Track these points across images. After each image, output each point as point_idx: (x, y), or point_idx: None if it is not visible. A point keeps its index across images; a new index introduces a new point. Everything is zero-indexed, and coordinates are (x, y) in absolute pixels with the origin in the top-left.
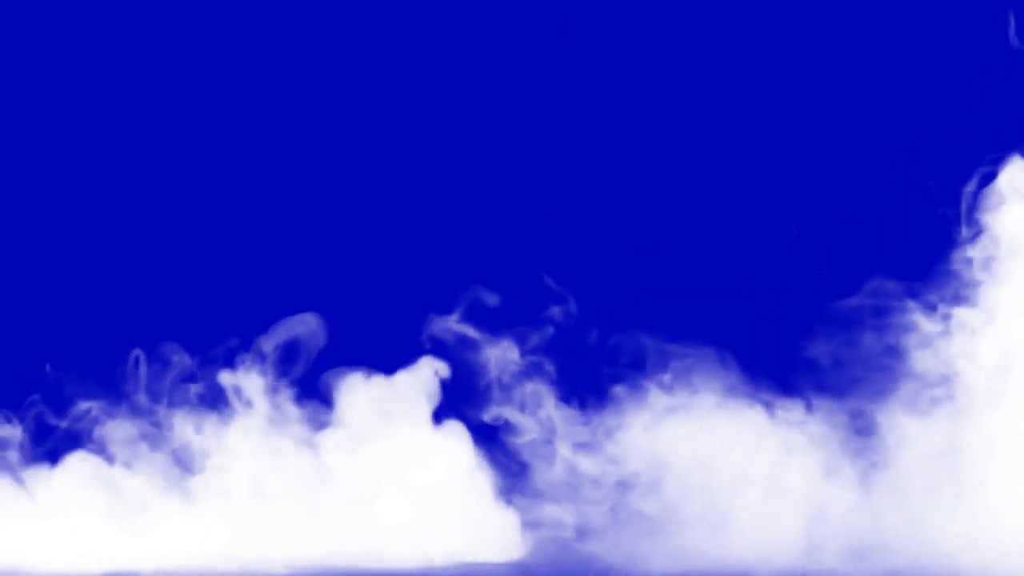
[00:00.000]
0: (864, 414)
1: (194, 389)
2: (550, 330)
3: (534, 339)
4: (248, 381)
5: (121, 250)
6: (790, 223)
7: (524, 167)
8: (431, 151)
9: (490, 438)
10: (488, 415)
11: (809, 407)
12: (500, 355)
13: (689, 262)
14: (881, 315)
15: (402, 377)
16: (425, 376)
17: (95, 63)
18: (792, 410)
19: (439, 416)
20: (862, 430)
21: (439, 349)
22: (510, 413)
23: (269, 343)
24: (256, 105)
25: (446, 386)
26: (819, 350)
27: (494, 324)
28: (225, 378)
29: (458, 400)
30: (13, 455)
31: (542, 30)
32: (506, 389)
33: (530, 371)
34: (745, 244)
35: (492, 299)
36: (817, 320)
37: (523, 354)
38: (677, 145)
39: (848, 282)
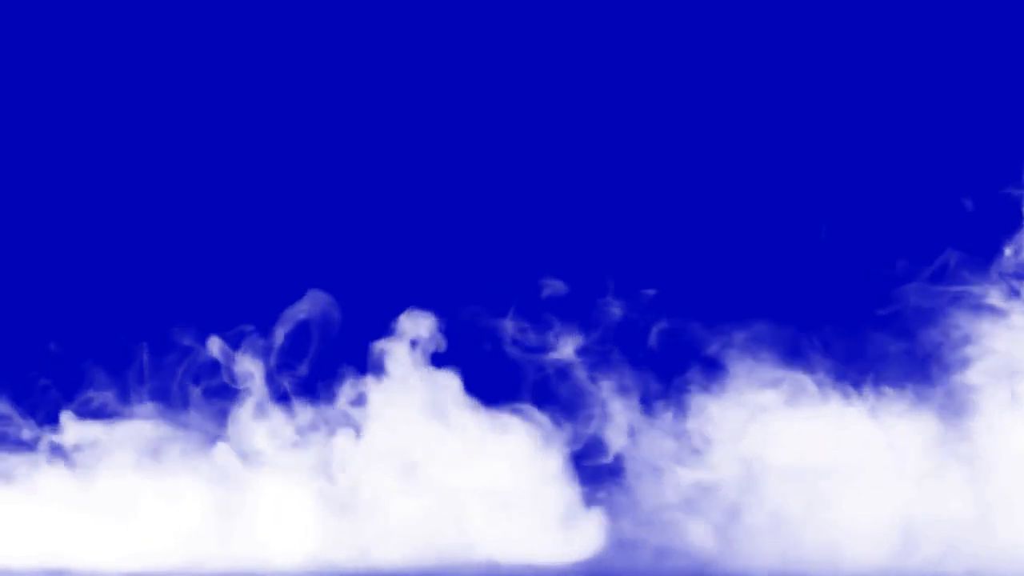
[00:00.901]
0: (956, 405)
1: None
2: (615, 325)
3: (596, 334)
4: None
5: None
6: (833, 215)
7: (583, 165)
8: (489, 147)
9: (565, 434)
10: (556, 411)
11: (897, 398)
12: (567, 350)
13: (763, 257)
14: (958, 301)
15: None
16: (489, 372)
17: (96, 59)
18: (884, 402)
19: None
20: (956, 422)
21: (499, 344)
22: (583, 408)
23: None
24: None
25: (514, 381)
26: (899, 339)
27: (558, 318)
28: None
29: (529, 395)
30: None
31: (581, 20)
32: (573, 384)
33: (600, 366)
34: (811, 234)
35: (555, 291)
36: (902, 309)
37: (588, 349)
38: (735, 142)
39: (921, 267)
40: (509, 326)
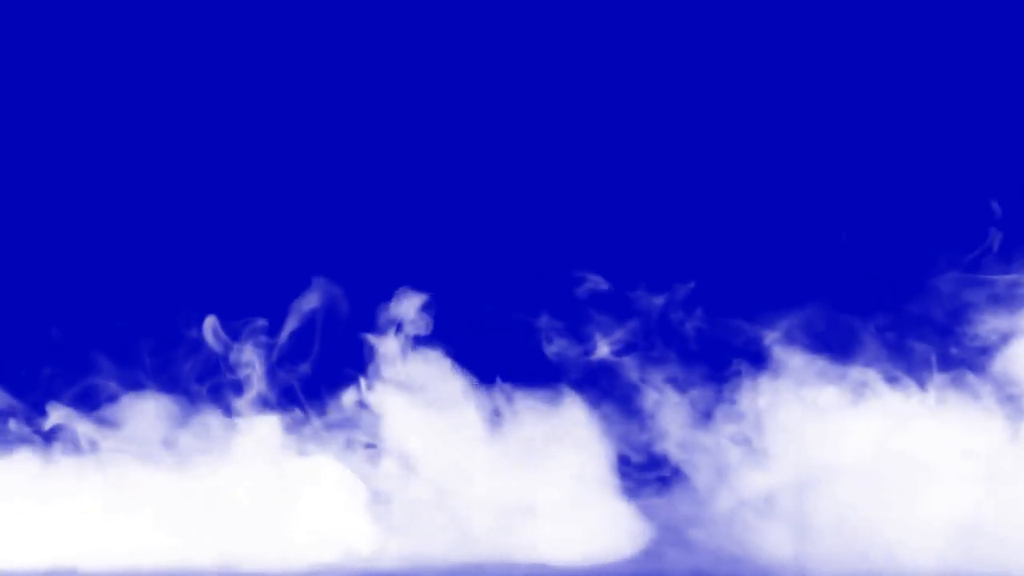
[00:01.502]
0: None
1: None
2: (657, 320)
3: (639, 330)
4: None
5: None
6: (870, 208)
7: (616, 161)
8: (525, 141)
9: (611, 432)
10: (601, 409)
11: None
12: (609, 347)
13: (798, 249)
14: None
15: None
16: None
17: (101, 53)
18: (946, 397)
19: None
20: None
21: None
22: (629, 406)
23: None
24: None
25: (557, 379)
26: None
27: (599, 314)
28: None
29: (574, 394)
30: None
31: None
32: (618, 382)
33: (645, 363)
34: (843, 227)
35: (601, 286)
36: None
37: (632, 346)
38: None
39: (962, 256)
40: (548, 324)
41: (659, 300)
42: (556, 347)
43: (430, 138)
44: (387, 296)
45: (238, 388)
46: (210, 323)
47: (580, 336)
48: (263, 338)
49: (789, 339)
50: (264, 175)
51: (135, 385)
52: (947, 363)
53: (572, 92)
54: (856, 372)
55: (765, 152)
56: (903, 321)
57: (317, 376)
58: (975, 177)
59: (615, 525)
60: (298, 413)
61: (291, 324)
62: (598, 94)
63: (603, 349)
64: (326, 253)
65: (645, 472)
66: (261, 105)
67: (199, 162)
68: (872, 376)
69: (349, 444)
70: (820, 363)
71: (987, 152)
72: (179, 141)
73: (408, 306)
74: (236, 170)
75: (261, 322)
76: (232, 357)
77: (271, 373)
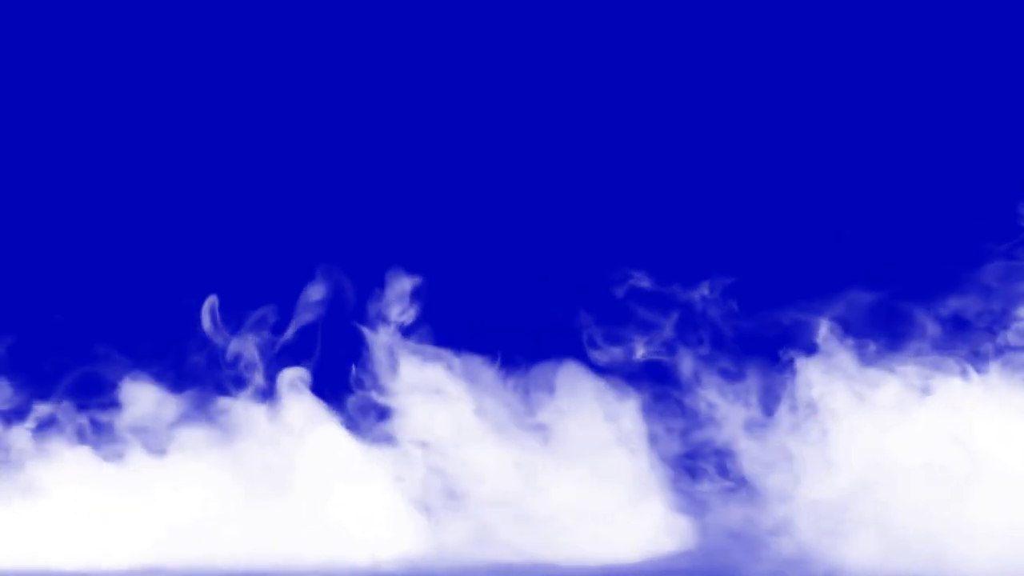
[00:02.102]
0: None
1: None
2: (703, 316)
3: (689, 325)
4: None
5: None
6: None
7: (652, 160)
8: (564, 140)
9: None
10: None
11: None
12: (657, 344)
13: (837, 239)
14: None
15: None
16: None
17: (104, 45)
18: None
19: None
20: None
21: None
22: (681, 404)
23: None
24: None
25: (607, 376)
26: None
27: (648, 309)
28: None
29: (625, 392)
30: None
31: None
32: (669, 379)
33: (696, 359)
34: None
35: (641, 283)
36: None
37: (679, 341)
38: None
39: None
40: (590, 321)
41: (699, 294)
42: (600, 345)
43: (453, 140)
44: (408, 291)
45: (239, 381)
46: (209, 305)
47: (621, 334)
48: (267, 329)
49: (838, 329)
50: (265, 173)
51: (139, 373)
52: (1001, 351)
53: (596, 85)
54: (910, 361)
55: (802, 144)
56: (952, 309)
57: (329, 367)
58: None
59: (666, 525)
60: (314, 404)
61: (303, 316)
62: (621, 85)
63: (646, 347)
64: (335, 245)
65: (700, 471)
66: (260, 103)
67: (195, 154)
68: (928, 364)
69: (380, 439)
70: (872, 353)
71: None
72: (173, 133)
73: (413, 299)
74: (235, 166)
75: (266, 312)
76: (233, 347)
77: (279, 363)
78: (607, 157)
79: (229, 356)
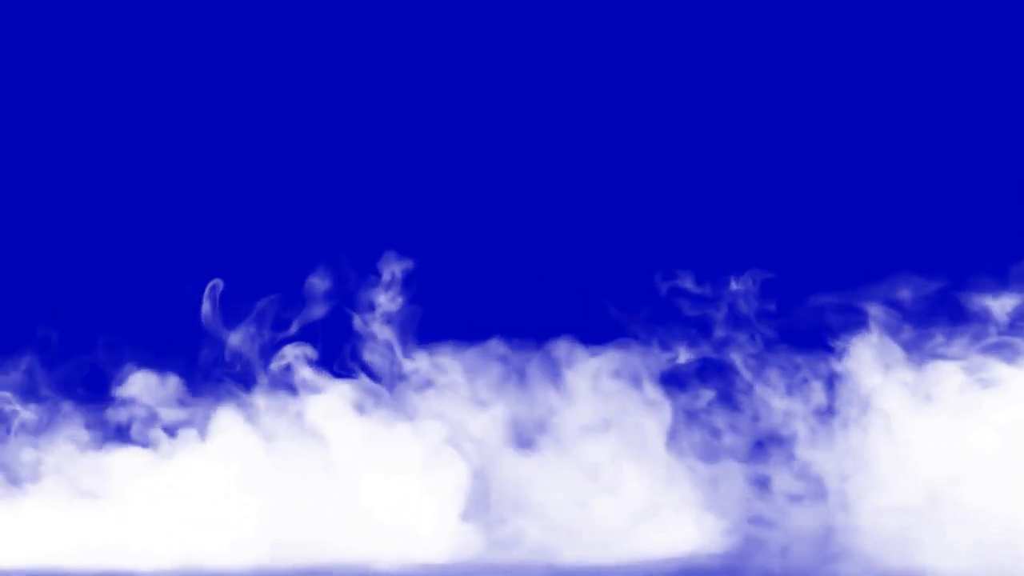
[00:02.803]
0: None
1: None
2: (752, 312)
3: (739, 323)
4: None
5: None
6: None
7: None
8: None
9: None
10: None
11: None
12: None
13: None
14: None
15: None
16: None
17: (111, 41)
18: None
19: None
20: None
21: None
22: (739, 402)
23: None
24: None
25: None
26: None
27: (693, 310)
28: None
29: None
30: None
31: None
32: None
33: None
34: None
35: (682, 283)
36: None
37: (731, 341)
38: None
39: None
40: (640, 321)
41: (742, 287)
42: (643, 342)
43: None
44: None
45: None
46: (211, 290)
47: (665, 332)
48: (269, 320)
49: (890, 317)
50: (268, 169)
51: (140, 363)
52: None
53: (615, 81)
54: (969, 350)
55: (863, 133)
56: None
57: (332, 354)
58: None
59: (719, 523)
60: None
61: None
62: (642, 77)
63: (690, 346)
64: (336, 237)
65: (757, 471)
66: (259, 102)
67: (192, 151)
68: (988, 353)
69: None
70: (929, 343)
71: None
72: (172, 131)
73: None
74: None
75: (269, 302)
76: (233, 340)
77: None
78: (626, 153)
79: (231, 349)
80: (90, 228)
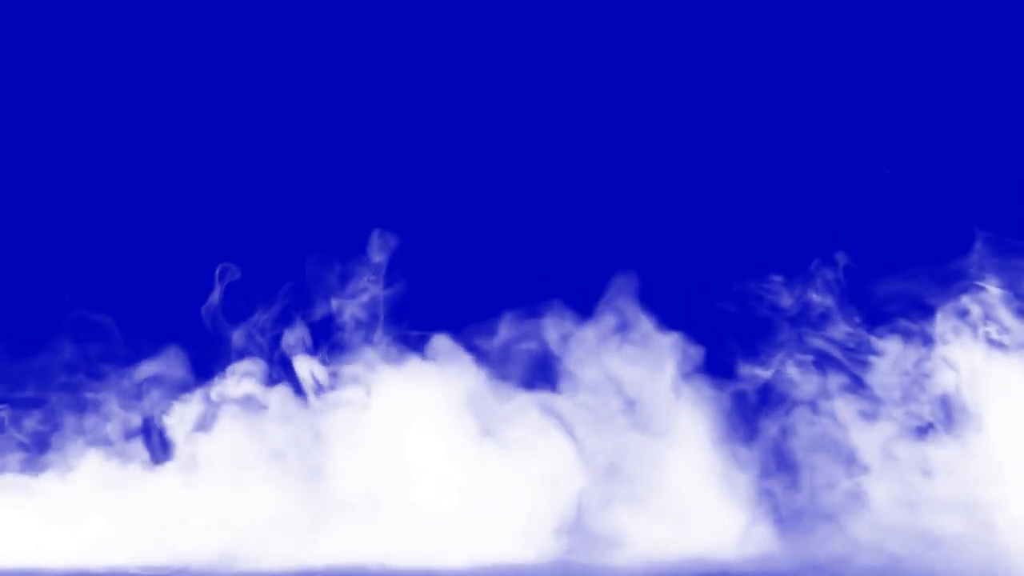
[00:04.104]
0: None
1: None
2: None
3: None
4: None
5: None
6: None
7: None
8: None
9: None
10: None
11: None
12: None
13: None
14: None
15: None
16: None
17: (120, 35)
18: None
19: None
20: None
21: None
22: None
23: None
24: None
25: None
26: None
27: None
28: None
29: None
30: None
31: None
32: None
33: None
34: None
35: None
36: None
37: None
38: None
39: None
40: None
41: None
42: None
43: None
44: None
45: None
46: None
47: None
48: (276, 313)
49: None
50: (271, 165)
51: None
52: None
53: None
54: None
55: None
56: None
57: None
58: None
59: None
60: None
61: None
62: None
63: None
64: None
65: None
66: (260, 103)
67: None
68: None
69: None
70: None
71: None
72: (171, 129)
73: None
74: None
75: (275, 295)
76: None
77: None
78: (625, 152)
79: (235, 344)
80: (87, 223)
